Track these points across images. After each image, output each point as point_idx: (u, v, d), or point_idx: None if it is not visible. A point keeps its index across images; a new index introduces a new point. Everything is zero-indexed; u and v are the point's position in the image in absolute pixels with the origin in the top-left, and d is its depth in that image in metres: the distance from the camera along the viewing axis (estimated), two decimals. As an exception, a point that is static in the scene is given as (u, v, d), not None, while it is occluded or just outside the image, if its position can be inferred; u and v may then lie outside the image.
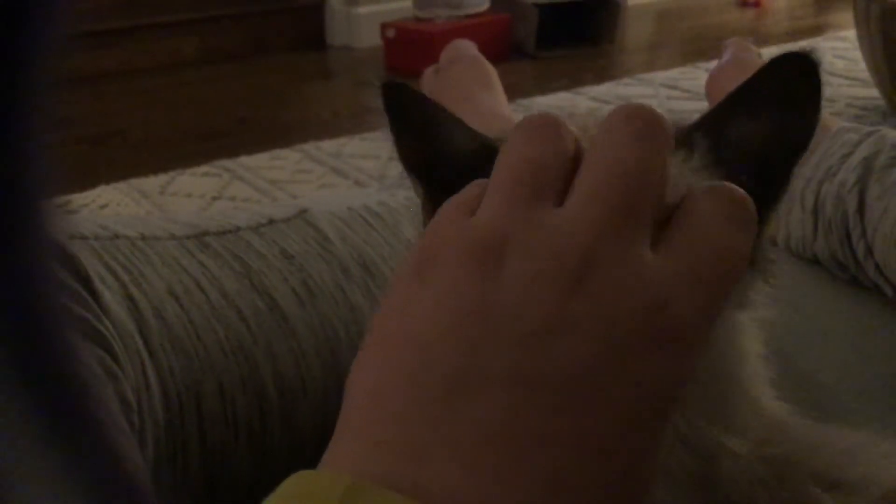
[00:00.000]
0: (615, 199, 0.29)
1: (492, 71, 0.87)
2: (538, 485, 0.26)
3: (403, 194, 0.64)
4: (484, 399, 0.27)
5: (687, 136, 0.37)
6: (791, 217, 0.70)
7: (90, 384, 0.18)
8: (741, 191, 0.31)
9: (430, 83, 0.86)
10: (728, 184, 0.31)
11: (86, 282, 0.43)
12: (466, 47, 0.88)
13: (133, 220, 0.50)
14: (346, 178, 2.09)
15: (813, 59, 0.35)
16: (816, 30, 3.16)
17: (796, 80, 0.36)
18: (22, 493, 0.16)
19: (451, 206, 0.31)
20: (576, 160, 0.31)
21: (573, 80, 2.52)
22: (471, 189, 0.31)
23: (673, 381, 0.28)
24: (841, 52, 2.64)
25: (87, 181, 2.00)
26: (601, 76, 2.57)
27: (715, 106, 0.37)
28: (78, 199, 1.91)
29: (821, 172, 0.68)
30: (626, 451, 0.27)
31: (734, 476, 0.36)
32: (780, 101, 0.36)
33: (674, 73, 2.53)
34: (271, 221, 0.54)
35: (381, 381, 0.28)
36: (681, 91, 2.37)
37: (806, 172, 0.69)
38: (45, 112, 0.16)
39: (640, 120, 0.30)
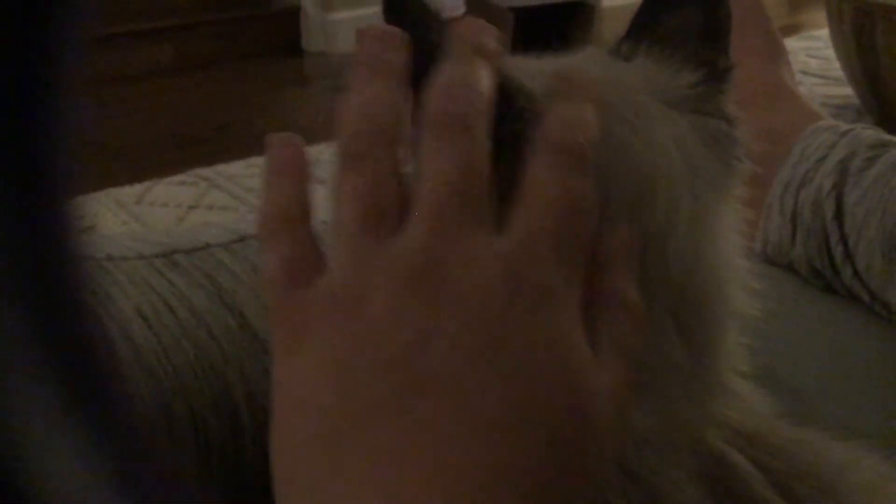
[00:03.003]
0: (443, 206, 0.30)
1: None
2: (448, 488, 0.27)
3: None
4: (373, 428, 0.28)
5: (617, 49, 0.40)
6: (770, 223, 0.70)
7: (115, 367, 0.18)
8: (566, 136, 0.32)
9: None
10: (550, 132, 0.32)
11: None
12: None
13: (99, 241, 0.50)
14: (324, 185, 2.08)
15: None
16: (790, 29, 3.18)
17: None
18: (47, 470, 0.16)
19: (280, 271, 0.32)
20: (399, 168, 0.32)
21: (550, 83, 2.52)
22: (284, 245, 0.32)
23: (556, 336, 0.29)
24: (814, 51, 2.65)
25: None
26: (578, 78, 2.58)
27: (633, 19, 0.41)
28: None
29: (798, 177, 0.68)
30: (537, 419, 0.28)
31: (744, 476, 0.36)
32: None
33: (650, 74, 2.54)
34: (242, 238, 0.53)
35: (291, 452, 0.30)
36: (657, 92, 2.38)
37: (783, 176, 0.69)
38: (70, 112, 0.17)
39: (443, 120, 0.32)
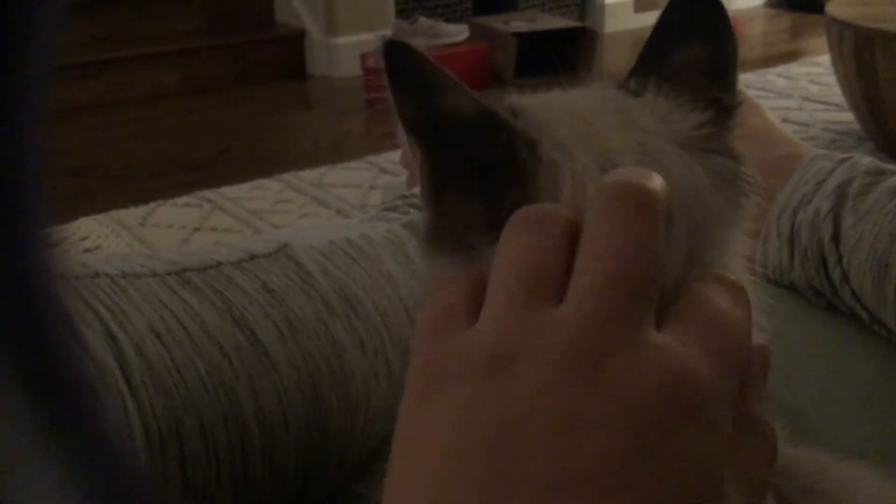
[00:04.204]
0: (615, 287, 0.29)
1: None
2: None
3: (385, 226, 0.64)
4: None
5: (626, 83, 0.39)
6: (768, 245, 0.70)
7: (89, 381, 0.18)
8: (733, 278, 0.32)
9: None
10: (720, 273, 0.32)
11: None
12: None
13: (113, 258, 0.50)
14: (327, 208, 2.09)
15: None
16: (791, 55, 3.20)
17: (699, 8, 0.40)
18: (21, 487, 0.16)
19: (437, 314, 0.31)
20: (573, 242, 0.30)
21: (552, 108, 2.53)
22: (449, 292, 0.31)
23: (707, 454, 0.28)
24: (816, 77, 2.67)
25: (67, 214, 1.98)
26: (580, 103, 2.59)
27: (640, 53, 0.40)
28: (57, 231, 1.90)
29: (795, 200, 0.69)
30: None
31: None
32: (697, 27, 0.40)
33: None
34: (252, 257, 0.54)
35: (404, 497, 0.28)
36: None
37: (781, 200, 0.70)
38: (40, 140, 0.16)
39: (632, 197, 0.30)
